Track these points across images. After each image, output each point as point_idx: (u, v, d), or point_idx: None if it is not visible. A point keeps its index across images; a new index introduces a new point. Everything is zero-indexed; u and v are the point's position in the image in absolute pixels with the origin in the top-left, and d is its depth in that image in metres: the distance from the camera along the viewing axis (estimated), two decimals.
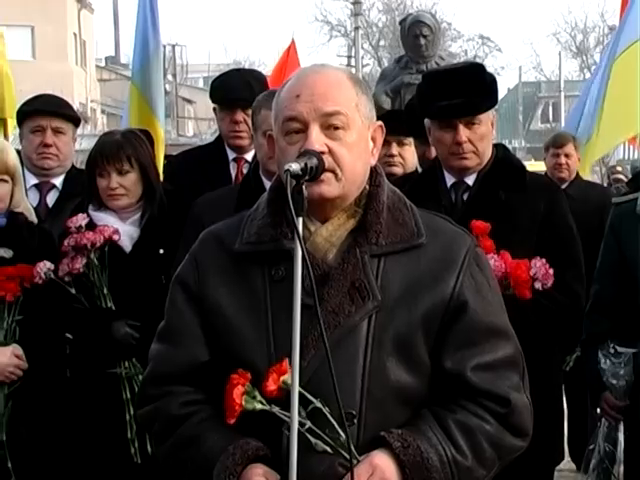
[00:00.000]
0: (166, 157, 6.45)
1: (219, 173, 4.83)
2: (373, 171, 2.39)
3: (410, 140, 4.72)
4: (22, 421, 3.93)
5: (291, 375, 2.14)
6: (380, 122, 2.41)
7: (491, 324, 2.32)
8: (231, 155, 4.91)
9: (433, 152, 4.33)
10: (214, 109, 4.98)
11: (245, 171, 4.76)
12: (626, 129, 7.34)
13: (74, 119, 4.89)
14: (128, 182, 3.97)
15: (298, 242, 2.14)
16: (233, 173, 4.90)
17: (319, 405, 2.18)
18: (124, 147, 3.97)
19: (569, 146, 6.87)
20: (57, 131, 4.75)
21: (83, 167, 4.82)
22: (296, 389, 2.13)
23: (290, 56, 10.31)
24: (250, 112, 4.31)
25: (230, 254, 2.36)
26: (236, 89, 4.76)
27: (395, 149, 4.65)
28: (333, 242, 2.33)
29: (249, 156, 4.83)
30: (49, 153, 4.74)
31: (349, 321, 2.25)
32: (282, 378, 2.16)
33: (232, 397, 2.18)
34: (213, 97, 4.94)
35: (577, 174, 6.92)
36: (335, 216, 2.34)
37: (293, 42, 10.57)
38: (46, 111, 4.76)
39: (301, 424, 2.17)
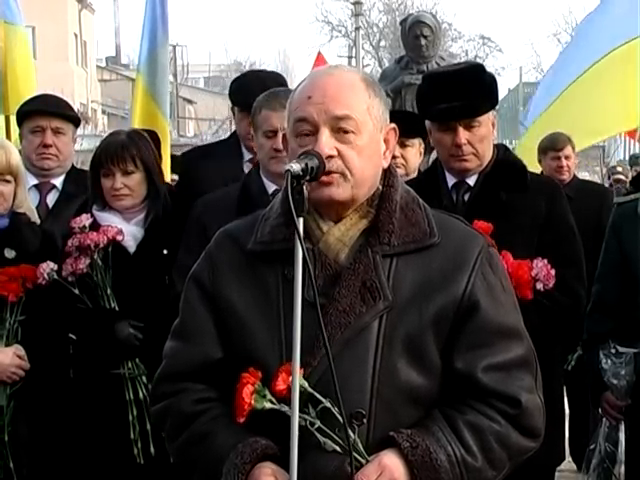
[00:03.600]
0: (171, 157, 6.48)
1: (233, 170, 4.84)
2: (386, 171, 2.39)
3: (412, 141, 4.72)
4: (24, 421, 3.93)
5: (292, 374, 2.14)
6: (393, 124, 2.40)
7: (503, 325, 2.32)
8: (247, 156, 4.92)
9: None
10: (232, 109, 5.00)
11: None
12: (624, 122, 7.39)
13: (74, 119, 4.89)
14: (132, 182, 3.96)
15: (298, 242, 2.14)
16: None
17: (328, 405, 2.19)
18: (129, 147, 3.96)
19: (568, 148, 6.88)
20: (57, 131, 4.75)
21: (83, 167, 4.83)
22: (296, 389, 2.13)
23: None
24: None
25: (244, 253, 2.37)
26: (253, 91, 4.77)
27: (397, 150, 4.65)
28: (345, 242, 2.33)
29: None
30: (49, 153, 4.73)
31: (360, 321, 2.25)
32: (291, 377, 2.15)
33: (242, 396, 2.19)
34: (232, 98, 4.96)
35: (574, 174, 6.93)
36: (348, 216, 2.34)
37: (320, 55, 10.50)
38: (46, 111, 4.75)
39: (311, 423, 2.18)
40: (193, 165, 4.87)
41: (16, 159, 4.04)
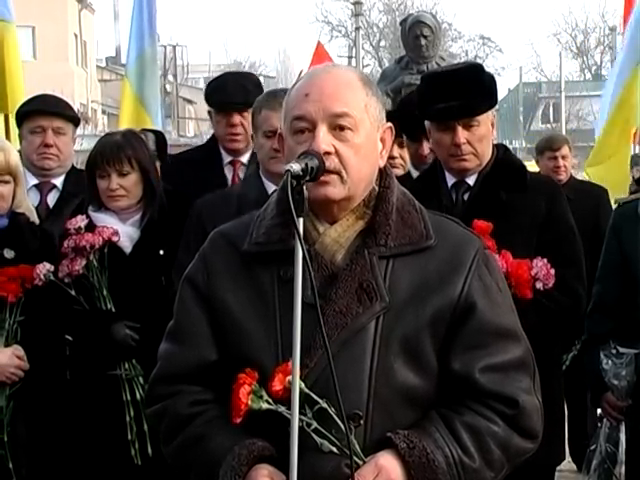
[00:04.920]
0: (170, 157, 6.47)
1: (214, 175, 4.84)
2: (383, 172, 2.39)
3: None
4: (23, 421, 3.93)
5: (292, 375, 2.13)
6: (390, 123, 2.40)
7: (500, 326, 2.31)
8: (226, 158, 4.93)
9: (425, 150, 4.33)
10: (209, 112, 5.01)
11: (241, 173, 4.80)
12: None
13: (74, 119, 4.90)
14: (128, 183, 3.96)
15: (299, 242, 2.13)
16: (229, 175, 4.92)
17: (325, 405, 2.18)
18: (124, 148, 3.96)
19: (565, 148, 6.88)
20: (57, 131, 4.75)
21: (83, 167, 4.84)
22: (296, 389, 2.13)
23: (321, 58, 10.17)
24: (246, 114, 4.31)
25: (239, 254, 2.36)
26: (231, 93, 4.79)
27: (396, 151, 4.64)
28: (342, 243, 2.33)
29: (245, 158, 4.88)
30: (50, 153, 4.73)
31: (356, 322, 2.25)
32: (288, 378, 2.15)
33: (238, 396, 2.18)
34: (209, 101, 4.96)
35: (571, 175, 6.93)
36: (344, 217, 2.34)
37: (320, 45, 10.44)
38: (46, 111, 4.76)
39: (307, 424, 2.17)
40: (173, 176, 4.85)
41: (15, 159, 4.04)
